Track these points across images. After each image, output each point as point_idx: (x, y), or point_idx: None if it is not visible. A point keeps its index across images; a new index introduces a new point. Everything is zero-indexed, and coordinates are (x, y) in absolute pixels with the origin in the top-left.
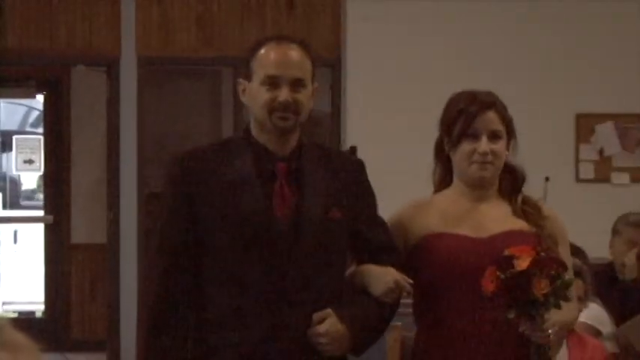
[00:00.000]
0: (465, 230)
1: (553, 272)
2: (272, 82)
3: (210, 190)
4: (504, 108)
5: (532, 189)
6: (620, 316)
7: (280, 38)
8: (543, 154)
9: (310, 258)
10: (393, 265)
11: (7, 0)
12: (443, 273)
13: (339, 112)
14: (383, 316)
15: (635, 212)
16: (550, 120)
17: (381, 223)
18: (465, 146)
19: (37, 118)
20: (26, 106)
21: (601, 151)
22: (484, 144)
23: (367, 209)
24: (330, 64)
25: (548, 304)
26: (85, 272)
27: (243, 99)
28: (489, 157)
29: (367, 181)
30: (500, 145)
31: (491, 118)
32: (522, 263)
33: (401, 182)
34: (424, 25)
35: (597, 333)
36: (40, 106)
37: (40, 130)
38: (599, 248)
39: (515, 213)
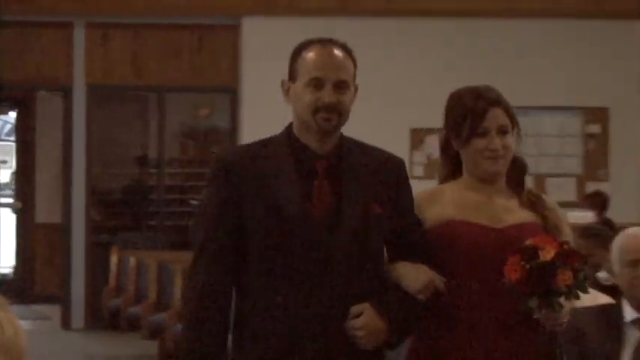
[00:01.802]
0: (482, 220)
1: (577, 265)
2: (317, 84)
3: (252, 188)
4: (507, 102)
5: None
6: None
7: (324, 41)
8: None
9: (349, 253)
10: (425, 263)
11: None
12: (461, 259)
13: (236, 128)
14: (416, 311)
15: None
16: (390, 132)
17: (416, 221)
18: (477, 143)
19: (10, 130)
20: (2, 120)
21: (429, 156)
22: (496, 140)
23: (404, 207)
24: (229, 91)
25: (570, 294)
26: (45, 244)
27: (286, 99)
28: (501, 152)
29: (407, 179)
30: (509, 139)
31: (499, 114)
32: (547, 254)
33: None
34: None
35: None
36: (13, 121)
37: (13, 138)
38: None
39: (522, 204)
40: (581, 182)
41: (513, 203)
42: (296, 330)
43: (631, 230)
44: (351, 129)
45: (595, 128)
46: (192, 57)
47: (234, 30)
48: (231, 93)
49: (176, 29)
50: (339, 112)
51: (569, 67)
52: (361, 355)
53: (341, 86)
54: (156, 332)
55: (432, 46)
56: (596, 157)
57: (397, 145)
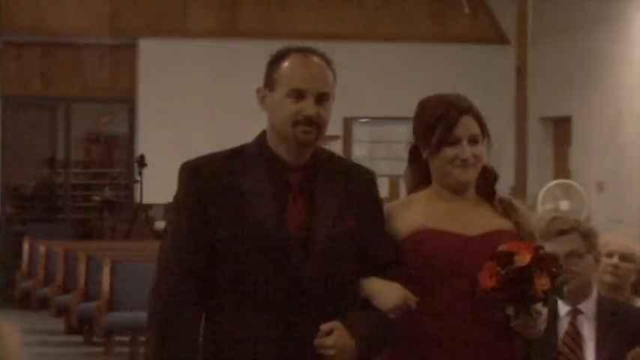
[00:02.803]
0: (453, 228)
1: (554, 269)
2: (298, 95)
3: (224, 201)
4: (478, 110)
5: None
6: None
7: (304, 50)
8: None
9: (322, 269)
10: (398, 280)
11: None
12: (434, 268)
13: (133, 133)
14: (388, 329)
15: None
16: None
17: (389, 236)
18: (447, 152)
19: None
20: None
21: None
22: (466, 149)
23: (376, 221)
24: (128, 102)
25: (547, 300)
26: None
27: (262, 107)
28: (471, 161)
29: (377, 193)
30: (479, 148)
31: (470, 122)
32: (523, 259)
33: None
34: (189, 79)
35: None
36: None
37: None
38: None
39: (495, 211)
40: None
41: (485, 211)
42: (266, 350)
43: None
44: (218, 137)
45: None
46: (95, 72)
47: (132, 49)
48: (129, 103)
49: (81, 48)
50: (318, 125)
51: (422, 83)
52: None
53: (322, 99)
54: (62, 311)
55: None
56: None
57: None
